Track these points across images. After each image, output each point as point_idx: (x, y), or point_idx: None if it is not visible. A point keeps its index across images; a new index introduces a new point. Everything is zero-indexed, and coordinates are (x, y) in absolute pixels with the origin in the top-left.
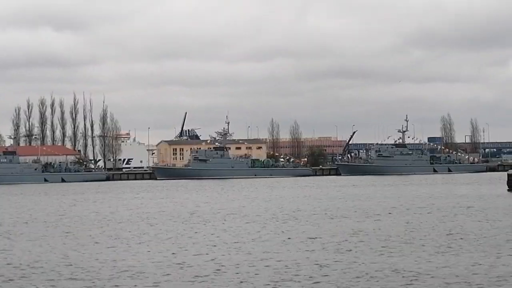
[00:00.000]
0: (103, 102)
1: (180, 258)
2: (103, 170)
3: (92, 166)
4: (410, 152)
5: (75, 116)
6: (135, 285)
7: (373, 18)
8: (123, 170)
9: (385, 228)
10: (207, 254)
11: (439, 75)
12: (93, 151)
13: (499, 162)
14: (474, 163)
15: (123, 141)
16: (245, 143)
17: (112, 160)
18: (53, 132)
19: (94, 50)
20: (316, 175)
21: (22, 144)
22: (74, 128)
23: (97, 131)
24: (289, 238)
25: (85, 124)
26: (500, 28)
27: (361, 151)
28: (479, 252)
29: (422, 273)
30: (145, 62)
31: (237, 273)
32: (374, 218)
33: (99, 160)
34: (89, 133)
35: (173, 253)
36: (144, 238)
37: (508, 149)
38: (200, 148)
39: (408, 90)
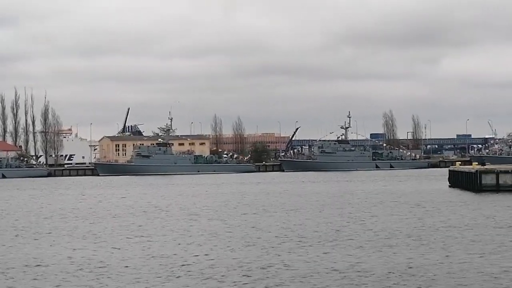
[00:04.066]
0: (45, 98)
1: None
2: (45, 166)
3: (34, 162)
4: (353, 149)
5: (16, 112)
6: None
7: (301, 16)
8: (65, 166)
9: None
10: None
11: (372, 72)
12: (35, 147)
13: (440, 159)
14: (416, 160)
15: (65, 137)
16: (188, 139)
17: (54, 156)
18: None
19: (25, 46)
20: (259, 171)
21: None
22: (15, 123)
23: (39, 126)
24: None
25: (26, 120)
26: (428, 27)
27: (304, 147)
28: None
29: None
30: (77, 58)
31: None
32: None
33: (41, 156)
34: (31, 128)
35: (74, 249)
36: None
37: (449, 146)
38: (143, 144)
39: (342, 88)
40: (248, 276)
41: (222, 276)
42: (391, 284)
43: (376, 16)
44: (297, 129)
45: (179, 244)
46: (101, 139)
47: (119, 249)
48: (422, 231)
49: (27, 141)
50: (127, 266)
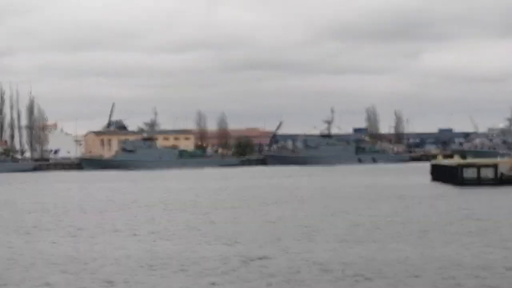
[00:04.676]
0: (30, 93)
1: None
2: (30, 160)
3: (19, 157)
4: (336, 143)
5: (2, 106)
6: None
7: (285, 11)
8: (50, 160)
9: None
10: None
11: (355, 67)
12: (20, 142)
13: (422, 153)
14: (398, 154)
15: (50, 132)
16: (173, 134)
17: (39, 150)
18: None
19: (9, 41)
20: (243, 165)
21: None
22: (0, 118)
23: (24, 121)
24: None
25: (11, 114)
26: (409, 21)
27: (288, 141)
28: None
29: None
30: (61, 53)
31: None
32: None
33: (26, 150)
34: (16, 123)
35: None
36: None
37: (431, 140)
38: (128, 139)
39: (326, 82)
40: (227, 270)
41: (201, 270)
42: (366, 278)
43: (359, 11)
44: (280, 123)
45: (155, 240)
46: (86, 134)
47: (96, 244)
48: (400, 224)
49: (12, 136)
50: (98, 259)
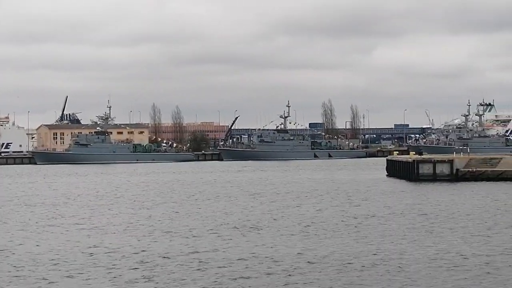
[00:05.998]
0: None
1: None
2: None
3: None
4: (292, 138)
5: None
6: None
7: (236, 5)
8: (2, 154)
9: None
10: None
11: (308, 62)
12: None
13: (378, 148)
14: (354, 149)
15: (1, 125)
16: (127, 127)
17: None
18: None
19: None
20: (198, 160)
21: None
22: None
23: None
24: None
25: None
26: (363, 17)
27: (244, 136)
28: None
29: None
30: (13, 45)
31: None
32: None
33: None
34: None
35: None
36: None
37: (387, 135)
38: (81, 133)
39: (280, 77)
40: (165, 264)
41: (140, 264)
42: (298, 273)
43: (312, 6)
44: (236, 118)
45: (94, 235)
46: (39, 127)
47: (30, 238)
48: (348, 220)
49: None
50: (42, 254)
